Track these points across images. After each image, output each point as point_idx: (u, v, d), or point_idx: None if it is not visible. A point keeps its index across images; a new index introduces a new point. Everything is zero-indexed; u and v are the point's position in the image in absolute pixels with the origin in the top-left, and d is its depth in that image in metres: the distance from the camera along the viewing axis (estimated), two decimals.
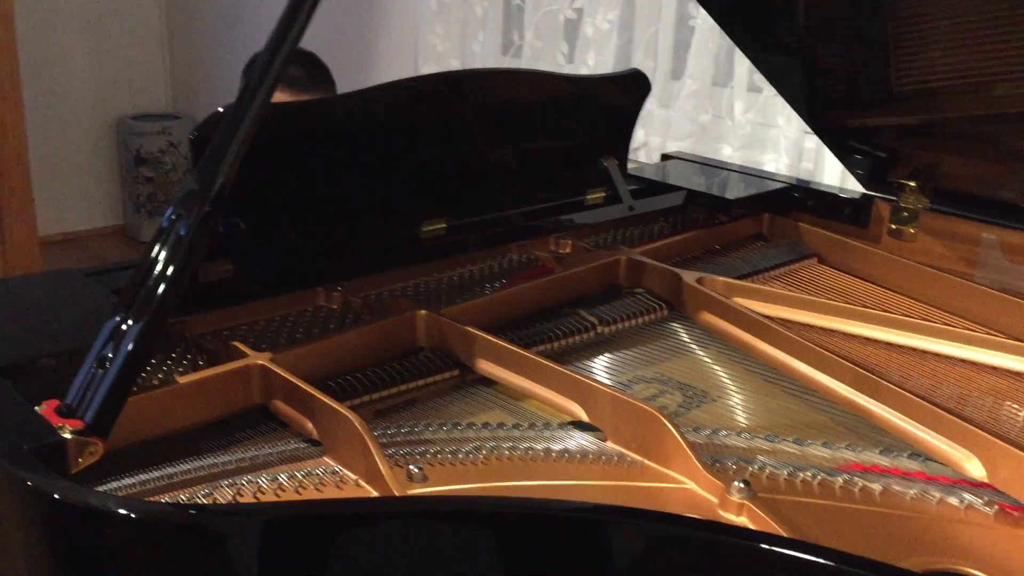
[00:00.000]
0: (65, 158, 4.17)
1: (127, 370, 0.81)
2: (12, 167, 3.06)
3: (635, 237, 1.62)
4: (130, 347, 0.81)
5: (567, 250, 1.53)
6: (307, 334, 1.22)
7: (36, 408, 0.82)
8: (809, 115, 1.71)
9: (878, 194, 1.67)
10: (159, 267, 0.84)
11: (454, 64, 2.83)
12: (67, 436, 0.79)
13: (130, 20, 4.25)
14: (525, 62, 2.63)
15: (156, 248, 0.85)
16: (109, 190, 4.34)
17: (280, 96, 1.81)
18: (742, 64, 2.20)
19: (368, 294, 1.33)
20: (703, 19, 2.25)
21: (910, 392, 1.08)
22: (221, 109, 1.10)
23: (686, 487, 0.96)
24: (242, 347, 1.09)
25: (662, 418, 0.98)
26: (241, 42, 3.98)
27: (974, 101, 1.49)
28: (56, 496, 0.71)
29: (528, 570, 0.79)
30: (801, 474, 0.98)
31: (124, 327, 0.82)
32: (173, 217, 0.85)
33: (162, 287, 0.83)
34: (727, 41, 2.26)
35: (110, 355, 0.81)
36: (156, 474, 0.92)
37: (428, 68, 2.79)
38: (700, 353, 1.29)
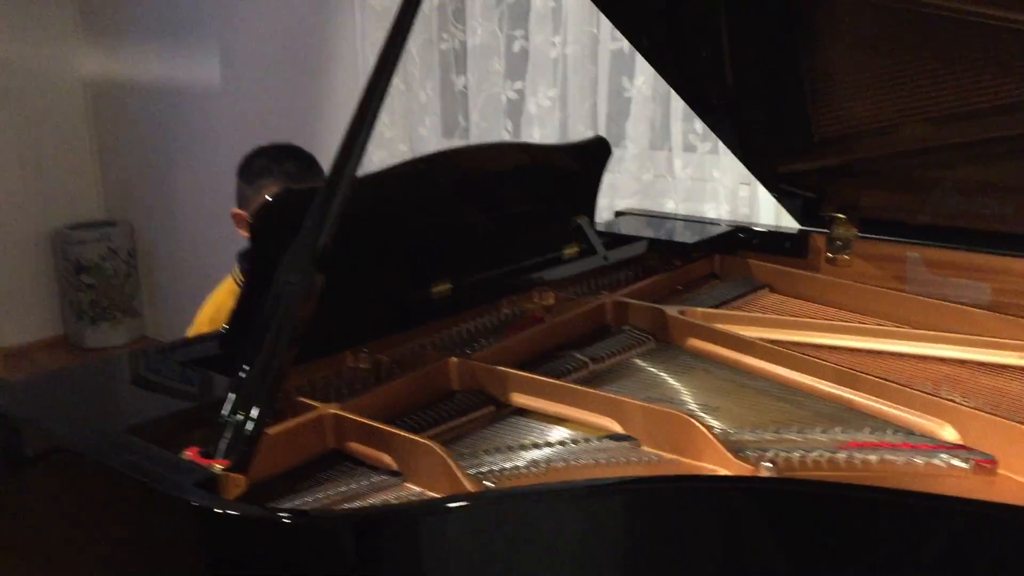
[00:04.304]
0: (1, 273, 4.17)
1: (262, 414, 0.94)
2: None
3: (605, 285, 1.81)
4: (261, 393, 0.94)
5: (550, 301, 1.71)
6: (351, 388, 1.36)
7: (181, 455, 0.95)
8: (746, 163, 1.95)
9: (813, 228, 1.89)
10: (277, 326, 0.98)
11: (402, 149, 3.00)
12: (218, 472, 0.92)
13: (59, 132, 4.33)
14: (473, 141, 2.82)
15: (272, 311, 0.99)
16: (48, 301, 4.35)
17: (275, 188, 1.95)
18: (676, 127, 2.45)
19: (392, 352, 1.47)
20: (636, 90, 2.50)
21: (885, 380, 1.28)
22: (269, 198, 1.26)
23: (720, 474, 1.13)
24: (309, 401, 1.22)
25: (690, 419, 1.16)
26: (172, 146, 4.09)
27: (885, 142, 1.72)
28: (240, 515, 0.84)
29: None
30: (810, 455, 1.17)
31: (253, 379, 0.96)
32: (283, 281, 1.00)
33: (281, 343, 0.98)
34: (661, 108, 2.51)
35: (243, 405, 0.95)
36: None
37: (378, 154, 2.94)
38: (696, 373, 1.47)
